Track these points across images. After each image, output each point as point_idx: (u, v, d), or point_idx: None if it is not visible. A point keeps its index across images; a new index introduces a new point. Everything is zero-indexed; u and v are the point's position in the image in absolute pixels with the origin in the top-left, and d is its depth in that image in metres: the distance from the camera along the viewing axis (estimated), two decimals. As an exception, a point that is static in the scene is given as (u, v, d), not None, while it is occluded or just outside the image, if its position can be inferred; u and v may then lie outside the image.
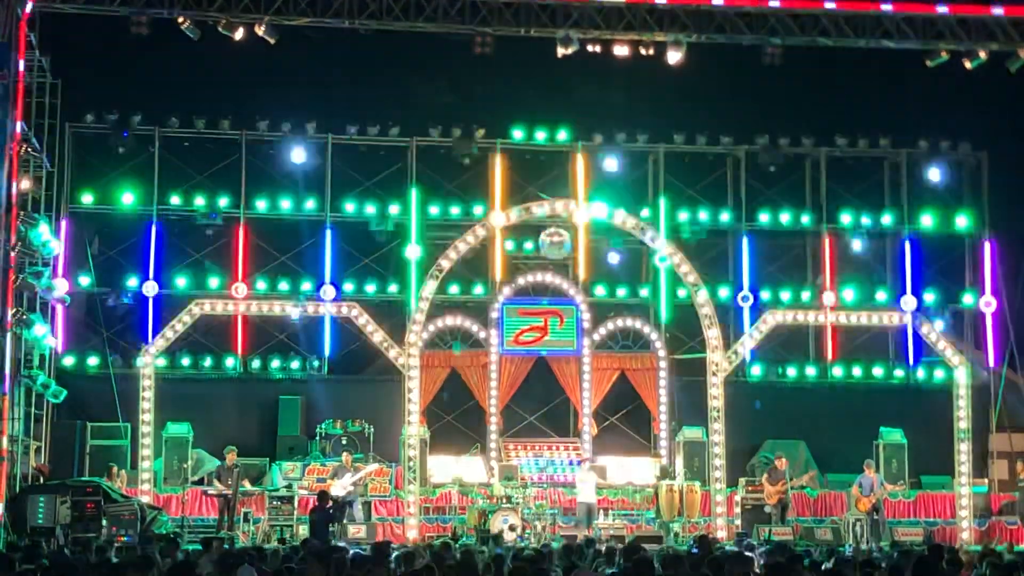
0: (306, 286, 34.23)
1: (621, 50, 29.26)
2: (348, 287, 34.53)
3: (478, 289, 34.97)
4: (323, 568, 14.21)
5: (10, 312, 26.17)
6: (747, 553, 17.39)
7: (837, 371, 35.64)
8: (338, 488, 28.33)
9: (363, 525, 28.43)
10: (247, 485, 29.09)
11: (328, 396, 33.53)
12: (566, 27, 28.83)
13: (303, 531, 27.06)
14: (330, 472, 29.32)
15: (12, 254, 26.33)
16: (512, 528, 27.82)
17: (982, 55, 29.43)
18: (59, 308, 31.45)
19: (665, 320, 35.03)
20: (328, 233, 34.65)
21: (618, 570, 15.92)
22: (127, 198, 34.14)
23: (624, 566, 15.74)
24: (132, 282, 33.78)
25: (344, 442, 31.40)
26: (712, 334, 30.68)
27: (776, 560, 14.80)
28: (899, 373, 35.90)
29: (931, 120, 35.73)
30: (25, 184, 28.09)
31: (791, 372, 35.56)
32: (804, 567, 15.13)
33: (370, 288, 34.76)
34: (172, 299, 33.39)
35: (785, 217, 36.27)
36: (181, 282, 34.12)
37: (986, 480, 32.66)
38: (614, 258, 35.17)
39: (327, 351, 34.30)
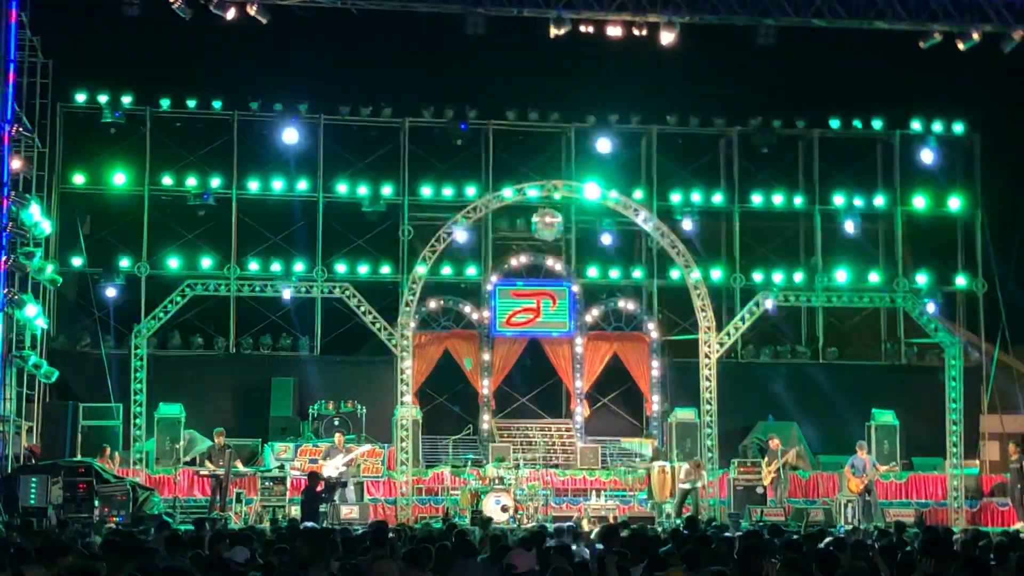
0: (298, 267, 34.21)
1: (614, 31, 29.20)
2: (340, 268, 34.50)
3: (471, 270, 34.94)
4: (312, 549, 14.18)
5: (2, 292, 26.13)
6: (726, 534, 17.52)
7: (829, 352, 35.64)
8: (330, 469, 28.31)
9: (356, 505, 28.43)
10: (239, 466, 29.07)
11: (320, 377, 33.53)
12: (559, 7, 28.76)
13: (295, 512, 27.09)
14: (322, 453, 29.33)
15: (4, 234, 26.29)
16: (504, 509, 27.86)
17: (975, 36, 29.41)
18: (51, 288, 31.40)
19: (657, 302, 35.03)
20: (320, 214, 34.60)
21: (604, 547, 15.98)
22: (119, 178, 34.06)
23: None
24: (124, 263, 33.71)
25: (336, 423, 31.37)
26: (704, 316, 30.68)
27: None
28: (891, 355, 35.92)
29: (924, 101, 35.70)
30: (16, 164, 28.02)
31: (783, 353, 35.55)
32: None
33: (362, 269, 34.71)
34: (164, 280, 33.33)
35: (778, 198, 36.25)
36: (173, 263, 34.08)
37: (977, 461, 32.73)
38: (607, 239, 35.09)
39: (319, 332, 34.28)
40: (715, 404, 30.28)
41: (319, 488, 26.58)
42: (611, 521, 25.17)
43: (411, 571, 13.37)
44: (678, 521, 26.08)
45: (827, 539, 17.56)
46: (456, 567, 14.00)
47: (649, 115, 35.90)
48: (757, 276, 35.60)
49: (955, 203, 36.56)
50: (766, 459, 30.26)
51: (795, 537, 16.51)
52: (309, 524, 21.71)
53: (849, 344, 35.94)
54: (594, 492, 30.49)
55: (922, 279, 35.95)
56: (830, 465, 31.74)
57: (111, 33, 30.75)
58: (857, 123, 36.40)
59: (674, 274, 33.62)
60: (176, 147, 34.49)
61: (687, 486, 29.30)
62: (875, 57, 32.25)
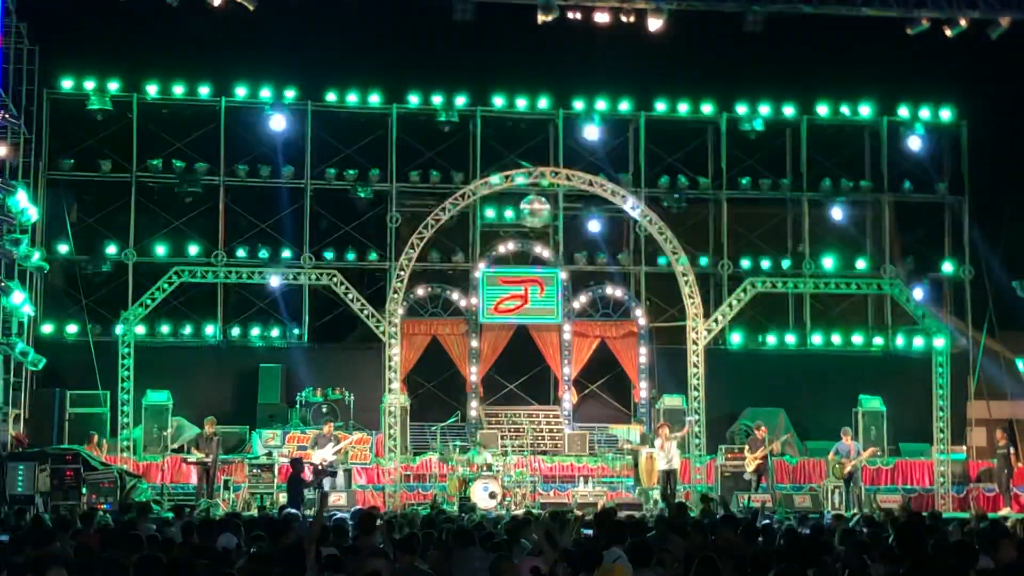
0: (286, 254, 34.16)
1: (602, 17, 29.19)
2: (328, 255, 34.43)
3: (458, 257, 34.91)
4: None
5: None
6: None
7: (816, 339, 35.68)
8: (318, 458, 28.31)
9: (343, 492, 28.43)
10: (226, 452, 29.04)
11: (308, 364, 33.49)
12: (547, -6, 28.73)
13: (283, 499, 27.08)
14: (310, 441, 29.30)
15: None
16: (492, 496, 27.87)
17: (962, 22, 29.45)
18: (37, 276, 31.33)
19: (645, 288, 35.04)
20: (308, 201, 34.54)
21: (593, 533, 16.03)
22: (106, 165, 33.94)
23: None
24: (111, 249, 33.62)
25: (324, 410, 31.36)
26: (692, 302, 30.71)
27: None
28: (878, 341, 36.00)
29: (911, 88, 35.70)
30: (3, 151, 27.96)
31: (771, 340, 35.61)
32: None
33: (350, 256, 34.65)
34: (151, 267, 33.23)
35: (766, 185, 36.25)
36: (160, 250, 33.97)
37: (964, 447, 32.81)
38: (594, 226, 35.05)
39: (307, 319, 34.24)
40: (702, 390, 30.33)
41: (303, 474, 26.57)
42: (598, 507, 25.25)
43: (403, 557, 13.38)
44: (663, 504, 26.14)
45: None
46: (456, 556, 13.98)
47: (637, 102, 35.82)
48: (744, 263, 35.63)
49: (942, 190, 36.60)
50: (748, 446, 30.26)
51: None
52: (292, 511, 21.68)
53: (836, 330, 35.95)
54: (582, 479, 30.53)
55: (909, 265, 35.99)
56: (817, 451, 31.79)
57: (98, 20, 30.69)
58: (845, 110, 36.40)
59: (661, 261, 33.61)
60: (163, 134, 34.38)
61: (666, 466, 29.25)
62: (863, 44, 32.26)
